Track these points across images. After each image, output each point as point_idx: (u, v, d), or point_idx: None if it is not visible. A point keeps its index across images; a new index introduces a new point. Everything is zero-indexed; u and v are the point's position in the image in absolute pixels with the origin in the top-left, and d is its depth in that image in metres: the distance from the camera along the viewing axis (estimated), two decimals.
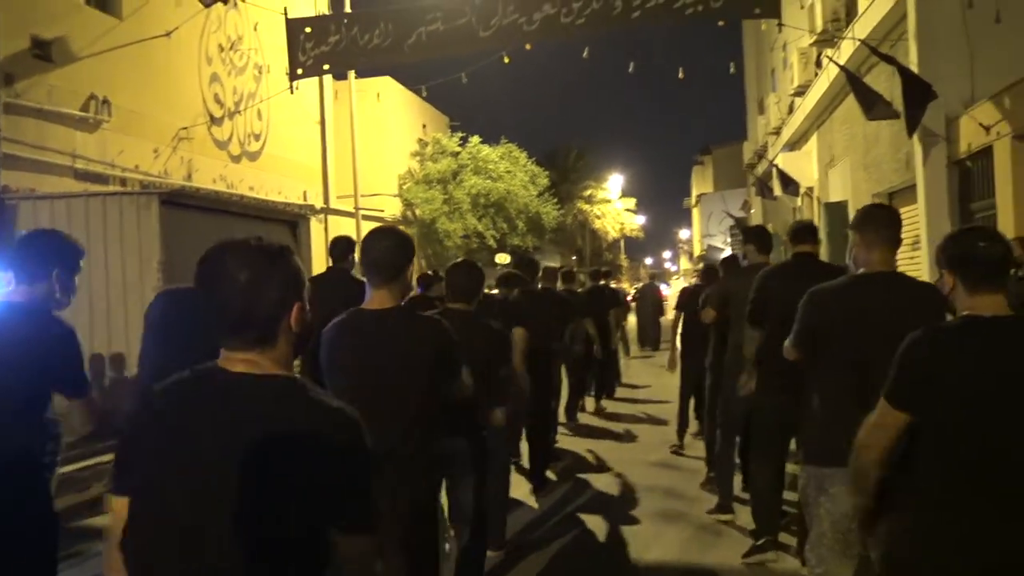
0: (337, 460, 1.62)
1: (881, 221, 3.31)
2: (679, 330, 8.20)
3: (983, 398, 2.21)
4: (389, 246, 3.12)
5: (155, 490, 1.62)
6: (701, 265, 13.45)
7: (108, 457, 3.48)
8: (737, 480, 5.86)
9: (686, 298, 8.01)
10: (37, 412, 2.99)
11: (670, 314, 11.08)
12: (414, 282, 6.31)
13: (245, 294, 1.66)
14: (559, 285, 9.12)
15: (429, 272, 6.11)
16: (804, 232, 4.79)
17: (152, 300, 3.79)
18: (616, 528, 5.83)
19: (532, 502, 6.51)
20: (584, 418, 10.31)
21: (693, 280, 13.09)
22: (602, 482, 7.20)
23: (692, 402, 8.21)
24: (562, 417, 9.20)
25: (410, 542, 2.98)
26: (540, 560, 5.21)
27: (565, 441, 8.79)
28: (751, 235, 5.81)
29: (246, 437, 1.58)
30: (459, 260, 4.51)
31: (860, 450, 2.41)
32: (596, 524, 5.93)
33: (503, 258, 25.19)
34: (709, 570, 5.02)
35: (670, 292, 25.99)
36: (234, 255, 1.69)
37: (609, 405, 11.29)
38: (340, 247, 6.27)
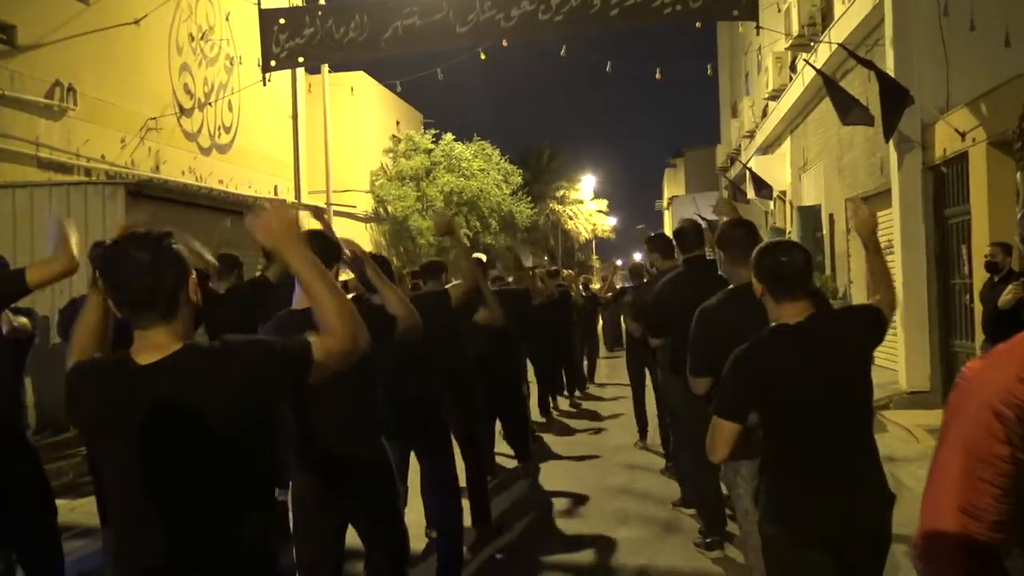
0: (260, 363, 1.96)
1: (743, 240, 3.64)
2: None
3: (797, 392, 2.61)
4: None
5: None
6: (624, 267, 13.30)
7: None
8: None
9: (616, 299, 8.16)
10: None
11: None
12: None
13: (149, 274, 1.92)
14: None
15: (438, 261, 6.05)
16: (688, 238, 4.91)
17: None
18: (589, 509, 6.28)
19: (513, 488, 6.90)
20: (557, 415, 10.52)
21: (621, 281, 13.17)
22: (576, 470, 7.53)
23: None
24: (536, 415, 9.51)
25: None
26: (523, 537, 5.60)
27: (540, 433, 9.04)
28: (654, 243, 5.88)
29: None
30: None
31: (709, 453, 2.70)
32: (571, 506, 6.38)
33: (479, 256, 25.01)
34: (673, 548, 5.33)
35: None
36: (133, 242, 1.95)
37: (582, 402, 11.59)
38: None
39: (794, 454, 2.66)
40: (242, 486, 1.97)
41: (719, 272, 4.02)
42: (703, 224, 6.59)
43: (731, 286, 3.69)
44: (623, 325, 19.20)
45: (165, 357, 1.92)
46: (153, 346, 1.94)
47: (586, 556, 5.26)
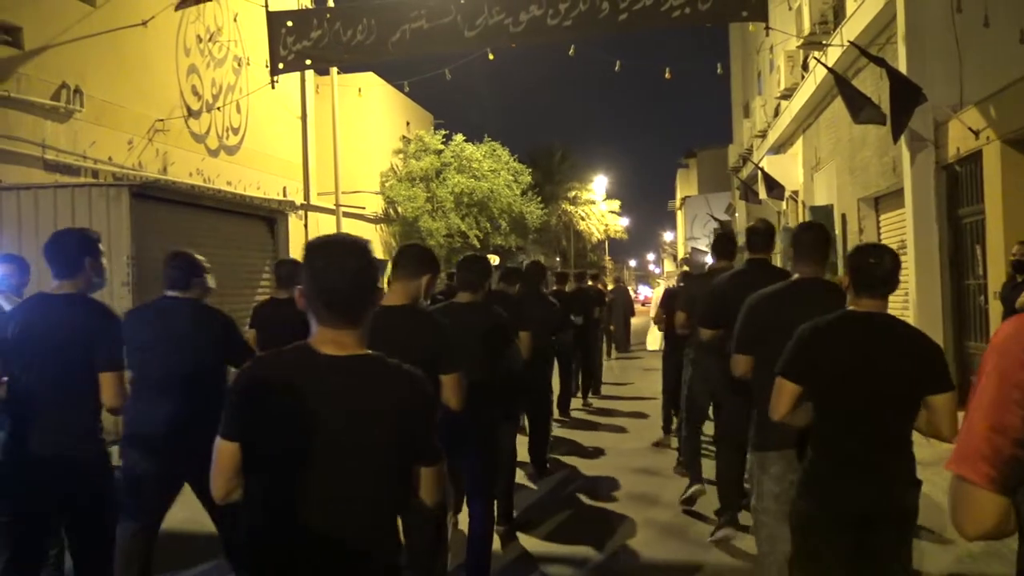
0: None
1: (810, 242, 3.85)
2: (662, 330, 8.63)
3: (849, 372, 2.86)
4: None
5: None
6: (685, 268, 13.42)
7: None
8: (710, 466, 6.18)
9: (668, 299, 8.32)
10: (88, 386, 3.42)
11: (640, 317, 11.52)
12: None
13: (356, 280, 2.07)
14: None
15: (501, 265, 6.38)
16: (759, 239, 4.95)
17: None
18: (604, 508, 6.42)
19: (533, 486, 7.06)
20: (573, 412, 10.59)
21: (673, 282, 13.25)
22: (592, 468, 7.67)
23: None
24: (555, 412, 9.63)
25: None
26: (541, 534, 5.75)
27: (558, 432, 9.14)
28: (717, 242, 6.17)
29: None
30: (468, 255, 4.82)
31: (771, 412, 3.05)
32: (587, 505, 6.55)
33: (491, 259, 24.98)
34: (682, 545, 5.54)
35: (653, 294, 25.98)
36: (344, 249, 2.11)
37: (595, 402, 11.66)
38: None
39: (835, 438, 2.91)
40: (384, 491, 2.09)
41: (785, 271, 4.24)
42: (716, 224, 6.85)
43: (794, 277, 3.88)
44: (631, 327, 19.44)
45: (349, 355, 2.05)
46: (338, 343, 2.05)
47: (602, 556, 5.38)
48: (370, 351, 2.11)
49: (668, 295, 8.50)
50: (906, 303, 9.47)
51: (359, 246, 2.12)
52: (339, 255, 2.07)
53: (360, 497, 2.05)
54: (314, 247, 2.13)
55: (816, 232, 3.97)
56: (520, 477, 6.86)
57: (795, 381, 2.95)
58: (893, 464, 2.92)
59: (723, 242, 6.07)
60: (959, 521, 1.51)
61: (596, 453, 8.36)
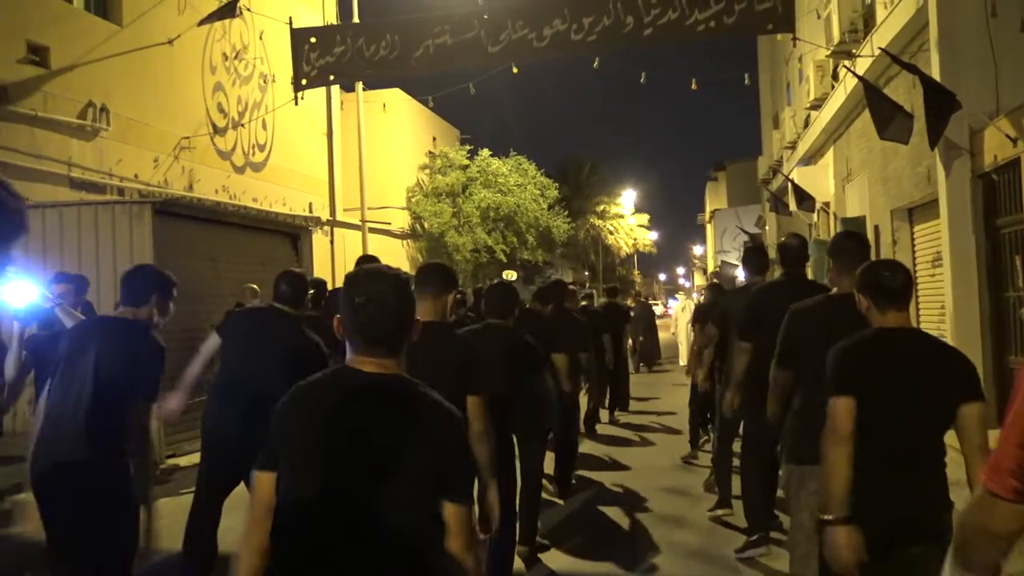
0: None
1: (852, 251, 3.83)
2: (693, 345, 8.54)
3: (889, 388, 2.88)
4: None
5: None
6: (714, 280, 13.25)
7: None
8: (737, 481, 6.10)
9: (700, 316, 8.26)
10: (125, 409, 3.55)
11: (664, 332, 11.48)
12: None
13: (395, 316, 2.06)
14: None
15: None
16: (793, 255, 5.03)
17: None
18: (630, 527, 6.35)
19: (559, 501, 7.03)
20: (600, 428, 10.45)
21: (701, 298, 13.16)
22: (619, 486, 7.59)
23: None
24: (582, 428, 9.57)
25: None
26: (565, 552, 5.68)
27: (585, 448, 9.00)
28: (748, 256, 6.17)
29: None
30: (495, 282, 5.31)
31: (831, 433, 2.92)
32: (613, 523, 6.47)
33: (511, 274, 24.90)
34: (709, 568, 5.39)
35: (675, 307, 25.72)
36: (385, 284, 2.08)
37: (622, 417, 11.50)
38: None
39: (870, 454, 2.88)
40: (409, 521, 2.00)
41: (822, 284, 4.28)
42: (746, 237, 6.86)
43: (832, 291, 3.92)
44: (658, 342, 19.30)
45: (386, 373, 2.04)
46: (377, 364, 2.04)
47: (647, 549, 5.52)
48: (407, 375, 2.10)
49: (699, 312, 8.48)
50: (942, 316, 9.18)
51: (401, 281, 2.09)
52: (380, 291, 2.04)
53: (385, 525, 1.98)
54: (355, 281, 2.09)
55: (860, 241, 3.99)
56: (546, 494, 6.79)
57: (848, 394, 2.90)
58: (928, 481, 2.94)
59: (755, 256, 6.02)
60: (984, 529, 1.62)
61: (623, 470, 8.27)
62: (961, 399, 2.88)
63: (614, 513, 6.68)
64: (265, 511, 2.05)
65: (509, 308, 4.70)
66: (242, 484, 4.19)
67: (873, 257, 13.50)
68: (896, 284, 2.98)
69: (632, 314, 13.78)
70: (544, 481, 7.06)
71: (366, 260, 6.49)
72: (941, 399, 2.89)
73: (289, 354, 4.49)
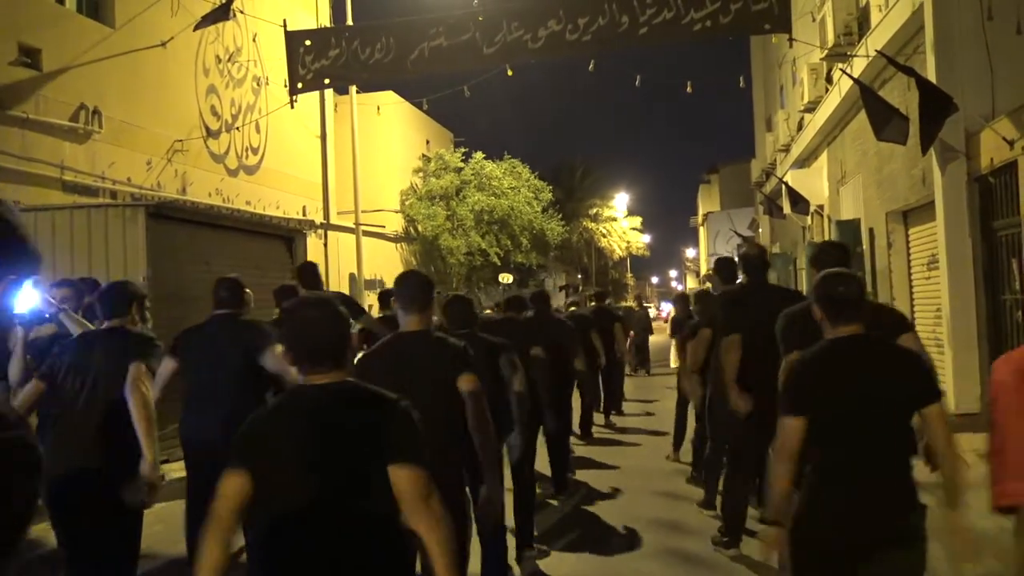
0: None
1: (834, 262, 3.90)
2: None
3: (846, 398, 2.93)
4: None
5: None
6: (707, 284, 13.25)
7: None
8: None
9: (676, 327, 8.41)
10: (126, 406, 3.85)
11: (659, 335, 11.61)
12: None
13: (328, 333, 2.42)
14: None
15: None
16: (754, 264, 5.53)
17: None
18: (622, 529, 6.42)
19: (553, 503, 7.13)
20: (595, 431, 10.45)
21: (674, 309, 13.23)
22: (612, 488, 7.66)
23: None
24: (577, 430, 9.60)
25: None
26: (558, 552, 5.78)
27: (579, 451, 9.06)
28: (719, 267, 6.47)
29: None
30: (452, 295, 5.19)
31: (779, 453, 3.01)
32: (606, 525, 6.54)
33: (506, 277, 24.86)
34: (701, 570, 5.49)
35: (669, 309, 25.79)
36: (311, 304, 2.50)
37: (617, 420, 11.53)
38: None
39: (830, 455, 2.94)
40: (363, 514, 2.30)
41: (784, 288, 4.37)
42: (739, 239, 7.07)
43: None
44: (649, 345, 19.37)
45: (337, 380, 2.38)
46: (327, 376, 2.38)
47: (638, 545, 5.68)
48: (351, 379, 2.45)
49: (675, 323, 8.75)
50: (938, 320, 9.18)
51: (331, 305, 2.44)
52: (316, 316, 2.41)
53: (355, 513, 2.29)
54: (292, 312, 2.47)
55: (843, 250, 4.14)
56: (540, 495, 6.81)
57: (800, 415, 2.97)
58: (895, 485, 2.95)
59: (727, 267, 6.31)
60: None
61: (616, 472, 8.29)
62: (921, 403, 2.94)
63: (607, 515, 6.71)
64: (230, 511, 2.30)
65: (470, 319, 4.85)
66: None
67: (868, 261, 13.48)
68: (850, 298, 3.02)
69: (621, 315, 13.70)
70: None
71: (309, 266, 6.97)
72: (899, 404, 2.95)
73: (247, 350, 4.72)
